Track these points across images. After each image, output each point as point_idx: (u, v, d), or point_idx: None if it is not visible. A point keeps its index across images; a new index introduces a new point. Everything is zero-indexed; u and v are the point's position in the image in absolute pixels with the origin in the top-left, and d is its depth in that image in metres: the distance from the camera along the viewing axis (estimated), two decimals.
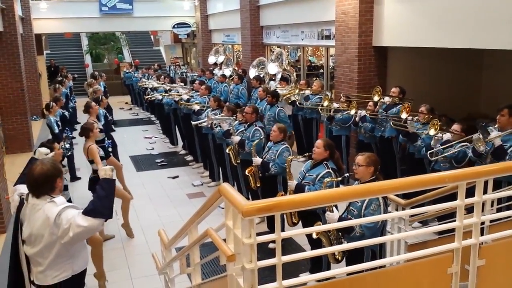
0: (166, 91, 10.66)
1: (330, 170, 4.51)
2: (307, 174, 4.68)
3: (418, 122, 6.13)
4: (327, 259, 4.72)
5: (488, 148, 5.01)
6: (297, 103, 8.75)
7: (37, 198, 2.91)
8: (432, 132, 5.50)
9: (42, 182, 2.90)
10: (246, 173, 5.79)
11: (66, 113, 9.98)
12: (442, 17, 6.27)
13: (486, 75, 8.47)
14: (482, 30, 5.66)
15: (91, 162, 5.95)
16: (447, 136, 5.44)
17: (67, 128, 9.02)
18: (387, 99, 6.88)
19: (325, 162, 4.58)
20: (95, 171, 5.95)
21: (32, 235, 2.87)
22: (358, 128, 7.19)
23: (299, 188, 4.61)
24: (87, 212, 2.83)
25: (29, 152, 10.45)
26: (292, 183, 4.71)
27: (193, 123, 7.99)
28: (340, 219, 3.87)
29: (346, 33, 7.86)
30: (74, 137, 9.37)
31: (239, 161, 6.62)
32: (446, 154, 5.31)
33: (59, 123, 8.88)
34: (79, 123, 13.53)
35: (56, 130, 8.66)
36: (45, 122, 9.06)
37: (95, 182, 5.95)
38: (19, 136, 10.63)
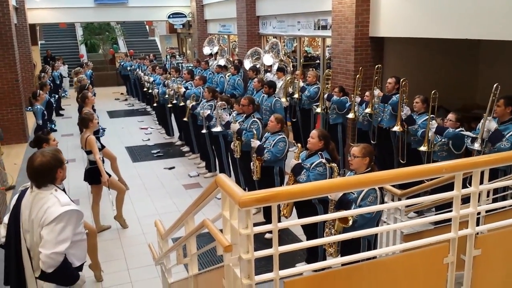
0: (164, 84, 10.55)
1: (323, 160, 4.53)
2: (303, 165, 4.69)
3: (414, 113, 6.18)
4: (322, 250, 4.75)
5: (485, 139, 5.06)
6: (295, 96, 8.71)
7: (39, 188, 2.89)
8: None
9: (42, 173, 2.87)
10: (256, 160, 5.67)
11: (52, 100, 9.91)
12: (439, 7, 6.26)
13: (482, 66, 8.48)
14: (478, 20, 5.65)
15: (88, 152, 5.92)
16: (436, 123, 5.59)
17: (48, 123, 9.01)
18: (377, 93, 6.90)
19: (319, 152, 4.62)
20: (91, 162, 5.93)
21: (34, 223, 2.85)
22: (357, 116, 7.26)
23: (297, 168, 4.64)
24: (50, 272, 2.80)
25: (24, 143, 10.40)
26: (292, 162, 4.70)
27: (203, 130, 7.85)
28: (342, 197, 3.87)
29: (343, 24, 7.83)
30: (55, 130, 9.40)
31: (240, 154, 6.59)
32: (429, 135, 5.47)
33: (45, 112, 8.83)
34: (57, 115, 13.39)
35: (40, 122, 8.59)
36: (32, 111, 8.93)
37: (91, 173, 5.95)
38: (14, 127, 10.56)
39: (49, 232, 2.76)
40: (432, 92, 5.70)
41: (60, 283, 2.91)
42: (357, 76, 7.34)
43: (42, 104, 9.04)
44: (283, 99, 8.71)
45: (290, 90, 8.95)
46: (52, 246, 2.74)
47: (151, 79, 12.17)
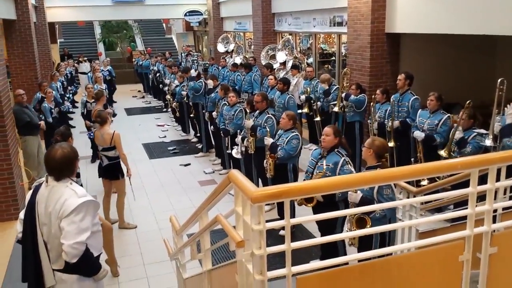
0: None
1: (346, 158, 4.46)
2: (319, 164, 4.59)
3: (427, 111, 6.09)
4: (343, 245, 4.69)
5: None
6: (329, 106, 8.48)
7: (57, 181, 2.95)
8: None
9: (64, 165, 2.94)
10: (269, 158, 5.66)
11: (66, 105, 10.08)
12: (456, 3, 6.16)
13: (500, 62, 8.32)
14: (495, 16, 5.55)
15: (108, 149, 5.95)
16: (458, 133, 5.43)
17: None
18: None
19: (336, 150, 4.53)
20: (111, 158, 5.97)
21: (52, 216, 2.90)
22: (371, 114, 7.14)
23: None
24: (77, 262, 2.85)
25: (42, 139, 10.55)
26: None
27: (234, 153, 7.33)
28: (363, 198, 3.86)
29: (359, 20, 7.77)
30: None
31: (254, 150, 6.59)
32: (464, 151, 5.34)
33: (53, 110, 8.78)
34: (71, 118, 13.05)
35: (50, 119, 8.44)
36: (40, 109, 8.67)
37: (112, 168, 5.98)
38: None
39: (69, 223, 2.81)
40: (467, 102, 5.51)
41: (84, 274, 2.98)
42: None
43: (51, 103, 8.98)
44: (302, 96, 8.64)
45: (309, 89, 8.82)
46: (73, 236, 2.80)
47: (167, 81, 12.24)
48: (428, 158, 6.16)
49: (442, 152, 5.56)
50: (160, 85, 14.49)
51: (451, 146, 5.48)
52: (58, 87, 11.29)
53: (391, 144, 6.48)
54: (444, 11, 6.40)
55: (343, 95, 7.70)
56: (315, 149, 4.85)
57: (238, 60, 12.86)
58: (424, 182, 5.24)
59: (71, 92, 13.82)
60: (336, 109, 7.98)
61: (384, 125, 6.88)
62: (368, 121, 7.10)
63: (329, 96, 8.40)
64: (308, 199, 4.49)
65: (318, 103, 8.68)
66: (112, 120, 7.06)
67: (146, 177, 8.16)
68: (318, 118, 8.66)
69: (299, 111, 8.62)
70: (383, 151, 3.98)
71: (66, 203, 2.84)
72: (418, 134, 6.03)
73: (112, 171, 6.03)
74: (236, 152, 7.06)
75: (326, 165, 4.52)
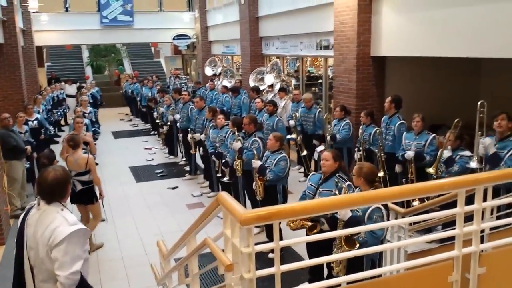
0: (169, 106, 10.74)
1: (350, 183, 4.32)
2: (321, 190, 4.47)
3: (412, 133, 6.19)
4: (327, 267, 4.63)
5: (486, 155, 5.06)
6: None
7: (48, 204, 2.90)
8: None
9: (56, 188, 2.90)
10: (258, 180, 5.64)
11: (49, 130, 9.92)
12: (440, 26, 6.31)
13: (484, 83, 8.49)
14: (479, 39, 5.69)
15: (82, 174, 5.82)
16: (447, 152, 5.51)
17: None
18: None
19: (338, 174, 4.41)
20: (85, 183, 5.86)
21: (39, 241, 2.85)
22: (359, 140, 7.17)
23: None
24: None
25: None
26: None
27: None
28: (351, 218, 3.81)
29: (345, 43, 7.90)
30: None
31: (241, 173, 6.56)
32: (450, 169, 5.42)
33: (23, 135, 8.26)
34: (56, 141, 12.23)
35: (14, 143, 7.44)
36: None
37: (86, 193, 5.84)
38: None
39: (63, 253, 2.76)
40: (456, 120, 5.56)
41: None
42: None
43: (21, 127, 8.62)
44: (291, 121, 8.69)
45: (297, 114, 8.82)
46: (69, 266, 2.75)
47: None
48: (418, 179, 6.22)
49: (430, 169, 5.63)
50: (144, 109, 14.59)
51: (438, 165, 5.55)
52: (41, 111, 11.15)
53: (380, 174, 6.49)
54: (428, 35, 6.54)
55: (329, 137, 7.59)
56: (313, 174, 4.76)
57: (226, 82, 12.95)
58: (415, 203, 5.25)
59: (56, 115, 13.72)
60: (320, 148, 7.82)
61: (371, 150, 6.94)
62: (355, 147, 7.14)
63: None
64: (311, 227, 4.39)
65: (299, 138, 8.57)
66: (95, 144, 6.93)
67: (133, 201, 8.07)
68: (304, 153, 8.57)
69: (288, 136, 8.63)
70: (372, 176, 3.94)
71: (57, 231, 2.78)
72: (409, 154, 6.09)
73: (86, 195, 5.95)
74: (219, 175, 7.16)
75: (325, 190, 4.40)
